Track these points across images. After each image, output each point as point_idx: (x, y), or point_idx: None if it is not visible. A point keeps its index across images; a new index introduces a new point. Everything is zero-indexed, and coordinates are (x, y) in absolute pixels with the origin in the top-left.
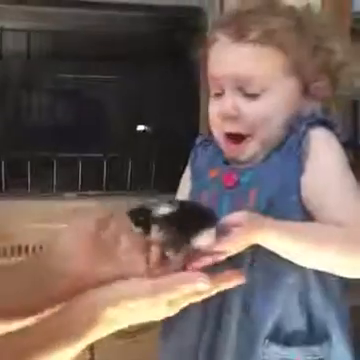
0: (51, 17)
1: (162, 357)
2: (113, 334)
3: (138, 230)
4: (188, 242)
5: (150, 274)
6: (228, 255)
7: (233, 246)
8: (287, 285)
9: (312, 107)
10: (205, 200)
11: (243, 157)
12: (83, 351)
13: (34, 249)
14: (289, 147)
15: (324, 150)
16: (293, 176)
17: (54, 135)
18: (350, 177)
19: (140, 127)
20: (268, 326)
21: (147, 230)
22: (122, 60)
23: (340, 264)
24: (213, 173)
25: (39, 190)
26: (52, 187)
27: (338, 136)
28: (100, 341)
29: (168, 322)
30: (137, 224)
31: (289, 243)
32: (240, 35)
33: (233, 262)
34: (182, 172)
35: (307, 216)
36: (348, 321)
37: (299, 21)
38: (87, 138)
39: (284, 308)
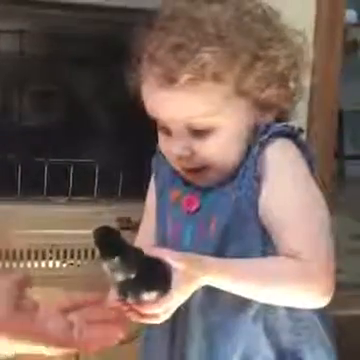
0: (45, 18)
1: None
2: None
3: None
4: (141, 292)
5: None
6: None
7: (175, 302)
8: (249, 318)
9: (271, 117)
10: (170, 227)
11: (202, 183)
12: (69, 357)
13: (21, 254)
14: (244, 170)
15: (278, 169)
16: (250, 201)
17: (46, 139)
18: (309, 194)
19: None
20: None
21: (109, 255)
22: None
23: (291, 300)
24: (174, 195)
25: (29, 195)
26: (42, 192)
27: (300, 144)
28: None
29: (147, 331)
30: (101, 247)
31: (232, 283)
32: (169, 79)
33: (187, 301)
34: None
35: (270, 240)
36: (331, 335)
37: (228, 41)
38: (78, 143)
39: (249, 341)
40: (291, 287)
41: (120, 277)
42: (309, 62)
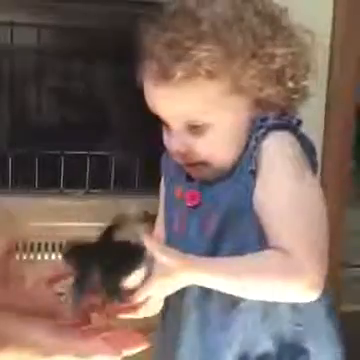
0: (62, 12)
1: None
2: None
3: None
4: (119, 284)
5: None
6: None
7: (153, 291)
8: (244, 309)
9: (272, 115)
10: (176, 221)
11: (202, 178)
12: None
13: (39, 247)
14: (242, 165)
15: (271, 163)
16: (246, 196)
17: (61, 132)
18: (302, 189)
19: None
20: (229, 354)
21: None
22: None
23: (275, 294)
24: (178, 192)
25: (45, 187)
26: (59, 184)
27: (299, 136)
28: None
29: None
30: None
31: (212, 278)
32: (165, 76)
33: (182, 295)
34: None
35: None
36: (335, 325)
37: (224, 38)
38: (95, 135)
39: (247, 332)
40: (275, 282)
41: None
42: (309, 64)
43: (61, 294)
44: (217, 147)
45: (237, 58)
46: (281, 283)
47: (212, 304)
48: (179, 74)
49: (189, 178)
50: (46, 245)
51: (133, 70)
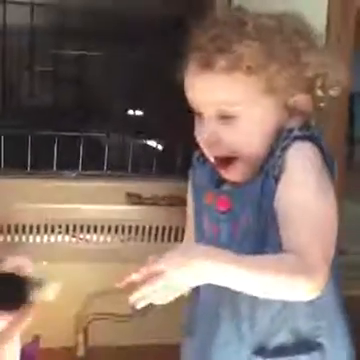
0: None
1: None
2: (108, 316)
3: None
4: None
5: None
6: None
7: (168, 265)
8: (263, 302)
9: (296, 121)
10: (207, 226)
11: (233, 179)
12: (76, 332)
13: (31, 228)
14: (267, 171)
15: (293, 171)
16: (270, 200)
17: (54, 113)
18: (319, 197)
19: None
20: (251, 343)
21: None
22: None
23: (280, 292)
24: (208, 198)
25: (39, 169)
26: (52, 166)
27: (321, 149)
28: (93, 323)
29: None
30: None
31: (237, 272)
32: (207, 64)
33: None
34: (183, 155)
35: None
36: (348, 324)
37: (266, 40)
38: (88, 117)
39: (265, 324)
40: (288, 280)
41: None
42: (341, 79)
43: None
44: (243, 139)
45: (274, 61)
46: (293, 282)
47: (242, 295)
48: (221, 64)
49: (219, 185)
50: (38, 227)
51: (127, 50)
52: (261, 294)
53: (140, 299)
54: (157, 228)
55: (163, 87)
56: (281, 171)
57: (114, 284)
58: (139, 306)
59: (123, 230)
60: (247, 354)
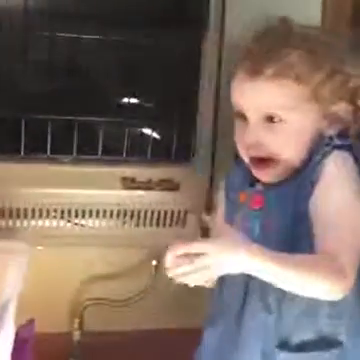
0: None
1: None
2: (103, 301)
3: None
4: None
5: None
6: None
7: (209, 248)
8: (289, 298)
9: (334, 129)
10: (238, 223)
11: (265, 179)
12: (72, 317)
13: (26, 213)
14: (304, 176)
15: (331, 178)
16: (306, 202)
17: (50, 97)
18: (354, 206)
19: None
20: (276, 336)
21: None
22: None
23: (311, 290)
24: (242, 197)
25: (33, 154)
26: (46, 151)
27: (357, 159)
28: (89, 308)
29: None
30: None
31: (272, 268)
32: (256, 72)
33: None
34: (179, 141)
35: None
36: None
37: (313, 49)
38: (83, 101)
39: (290, 320)
40: (321, 280)
41: None
42: None
43: None
44: (284, 144)
45: (321, 70)
46: (325, 282)
47: (271, 289)
48: (270, 71)
49: (253, 184)
50: (33, 212)
51: (124, 35)
52: (293, 289)
53: (179, 276)
54: (152, 212)
55: (159, 71)
56: (318, 177)
57: (109, 268)
58: (178, 281)
59: (118, 214)
60: (271, 347)
